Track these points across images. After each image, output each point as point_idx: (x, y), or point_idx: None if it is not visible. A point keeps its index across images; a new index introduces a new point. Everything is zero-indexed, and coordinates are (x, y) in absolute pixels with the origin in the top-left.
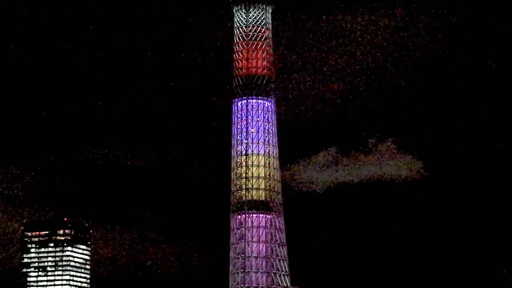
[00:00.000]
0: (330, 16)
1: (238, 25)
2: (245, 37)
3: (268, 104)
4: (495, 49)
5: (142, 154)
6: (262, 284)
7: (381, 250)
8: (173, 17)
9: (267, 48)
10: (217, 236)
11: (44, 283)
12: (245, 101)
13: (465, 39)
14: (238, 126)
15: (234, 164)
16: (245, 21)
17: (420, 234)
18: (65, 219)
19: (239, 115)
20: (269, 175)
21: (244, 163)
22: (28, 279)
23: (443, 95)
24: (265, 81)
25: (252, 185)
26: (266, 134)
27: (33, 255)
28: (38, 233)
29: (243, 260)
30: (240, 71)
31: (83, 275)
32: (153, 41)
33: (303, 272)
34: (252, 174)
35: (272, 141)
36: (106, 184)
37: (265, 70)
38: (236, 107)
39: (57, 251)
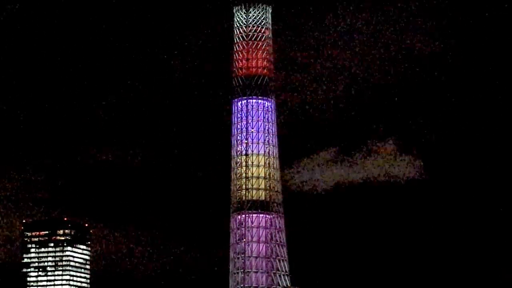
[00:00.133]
0: (330, 16)
1: (238, 25)
2: (245, 37)
3: (268, 104)
4: (496, 49)
5: (142, 154)
6: (262, 284)
7: (381, 250)
8: (173, 17)
9: (267, 48)
10: (217, 236)
11: (44, 283)
12: (245, 101)
13: (467, 39)
14: (238, 126)
15: (234, 164)
16: (245, 21)
17: (420, 234)
18: (65, 219)
19: (239, 115)
20: (269, 175)
21: (244, 163)
22: (28, 279)
23: (443, 95)
24: (265, 81)
25: (252, 185)
26: (266, 134)
27: (33, 255)
28: (38, 233)
29: (243, 260)
30: (240, 71)
31: (83, 275)
32: (153, 41)
33: (303, 272)
34: (252, 174)
35: (272, 141)
36: (106, 184)
37: (265, 70)
38: (236, 107)
39: (57, 251)
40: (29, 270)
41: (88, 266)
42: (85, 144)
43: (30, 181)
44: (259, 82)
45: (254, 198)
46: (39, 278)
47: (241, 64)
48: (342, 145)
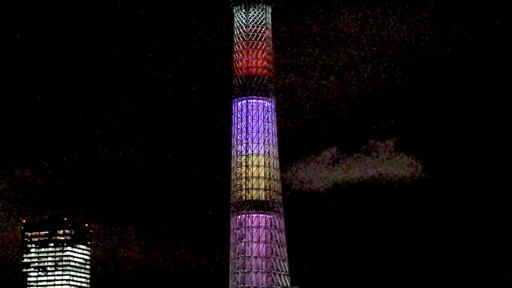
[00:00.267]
0: (330, 16)
1: (238, 25)
2: (245, 37)
3: (268, 104)
4: (496, 48)
5: (143, 154)
6: (262, 284)
7: (381, 250)
8: (173, 17)
9: (267, 48)
10: (217, 236)
11: (44, 283)
12: (245, 101)
13: (466, 39)
14: (238, 126)
15: (234, 164)
16: (245, 21)
17: (420, 234)
18: (65, 219)
19: (239, 115)
20: (269, 175)
21: (244, 163)
22: (28, 279)
23: (443, 95)
24: (265, 81)
25: (252, 185)
26: (266, 134)
27: (33, 255)
28: (38, 233)
29: (243, 260)
30: (240, 71)
31: (83, 275)
32: (153, 41)
33: (303, 272)
34: (252, 174)
35: (272, 141)
36: (106, 184)
37: (265, 70)
38: (236, 107)
39: (57, 251)
40: (29, 270)
41: (88, 266)
42: (86, 144)
43: (30, 181)
44: (259, 82)
45: (254, 198)
46: (39, 278)
47: (241, 64)
48: (342, 145)
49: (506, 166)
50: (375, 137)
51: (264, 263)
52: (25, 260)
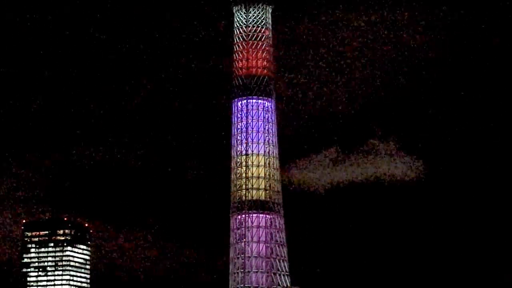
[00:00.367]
0: (330, 16)
1: (238, 25)
2: (245, 37)
3: (268, 104)
4: (496, 48)
5: (142, 154)
6: (262, 284)
7: (381, 250)
8: (173, 17)
9: (267, 48)
10: (217, 236)
11: (44, 283)
12: (245, 101)
13: (466, 39)
14: (238, 126)
15: (234, 164)
16: (245, 21)
17: (420, 234)
18: (65, 219)
19: (239, 115)
20: (269, 175)
21: (244, 163)
22: (28, 279)
23: (443, 95)
24: (265, 81)
25: (252, 185)
26: (266, 134)
27: (33, 255)
28: (38, 233)
29: (243, 260)
30: (240, 71)
31: (83, 275)
32: (153, 41)
33: (303, 272)
34: (252, 174)
35: (272, 141)
36: (106, 184)
37: (265, 70)
38: (236, 107)
39: (57, 251)
40: (29, 270)
41: (88, 266)
42: (85, 143)
43: (30, 181)
44: (259, 82)
45: (254, 198)
46: (39, 278)
47: (241, 64)
48: (342, 145)
49: (506, 166)
50: (375, 137)
51: (264, 263)
52: (25, 260)
